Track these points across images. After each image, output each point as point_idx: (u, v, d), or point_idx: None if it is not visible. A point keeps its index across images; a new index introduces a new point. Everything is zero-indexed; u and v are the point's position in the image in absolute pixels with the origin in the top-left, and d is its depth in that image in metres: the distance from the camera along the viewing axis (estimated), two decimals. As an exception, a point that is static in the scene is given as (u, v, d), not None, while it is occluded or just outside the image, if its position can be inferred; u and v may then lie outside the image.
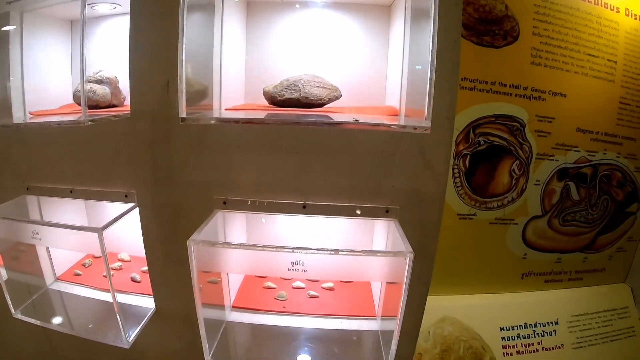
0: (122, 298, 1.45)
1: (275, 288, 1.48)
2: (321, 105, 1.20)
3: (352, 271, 1.06)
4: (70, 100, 1.52)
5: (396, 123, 1.03)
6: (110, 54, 1.52)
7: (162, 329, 1.43)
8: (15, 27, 1.38)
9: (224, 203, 1.24)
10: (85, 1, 1.09)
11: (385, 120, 1.11)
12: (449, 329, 1.68)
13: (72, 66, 1.59)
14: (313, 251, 1.01)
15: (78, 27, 1.57)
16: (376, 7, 1.36)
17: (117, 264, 1.62)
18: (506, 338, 1.76)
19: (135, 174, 1.29)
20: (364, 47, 1.39)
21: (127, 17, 1.41)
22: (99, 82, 1.41)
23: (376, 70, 1.38)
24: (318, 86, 1.21)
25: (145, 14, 1.18)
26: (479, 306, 1.76)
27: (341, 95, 1.24)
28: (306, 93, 1.18)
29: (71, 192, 1.38)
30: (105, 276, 1.54)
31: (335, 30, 1.38)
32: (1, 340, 1.96)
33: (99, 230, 1.14)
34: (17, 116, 1.40)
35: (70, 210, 1.60)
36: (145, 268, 1.53)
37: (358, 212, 1.22)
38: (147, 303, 1.43)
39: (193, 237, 1.06)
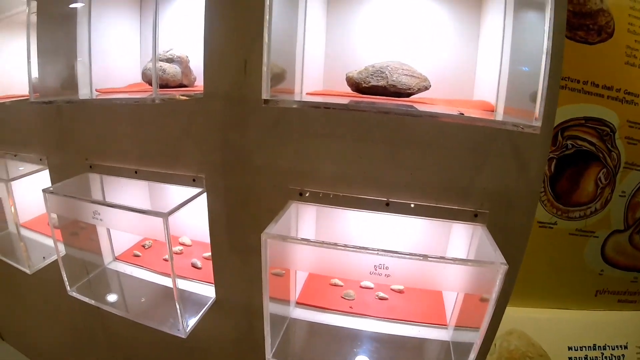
0: (181, 284, 1.41)
1: (342, 286, 1.40)
2: (409, 94, 1.11)
3: (437, 279, 0.97)
4: (138, 79, 1.49)
5: (504, 120, 0.93)
6: (181, 32, 1.47)
7: (219, 319, 1.39)
8: (83, 4, 1.35)
9: (300, 194, 1.16)
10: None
11: (488, 116, 1.00)
12: (515, 343, 1.57)
13: (141, 44, 1.55)
14: (399, 255, 0.92)
15: (148, 4, 1.54)
16: (467, -6, 1.26)
17: (177, 248, 1.58)
18: (573, 358, 1.63)
19: (205, 158, 1.23)
20: (452, 36, 1.29)
21: None
22: (169, 60, 1.36)
23: (464, 62, 1.28)
24: (406, 74, 1.12)
25: None
26: (549, 321, 1.63)
27: (430, 86, 1.14)
28: (394, 81, 1.09)
29: (136, 172, 1.34)
30: (165, 260, 1.51)
31: (421, 16, 1.29)
32: (55, 314, 1.98)
33: (165, 216, 1.10)
34: (83, 92, 1.37)
35: (132, 191, 1.58)
36: (207, 254, 1.49)
37: (443, 214, 1.12)
38: (207, 291, 1.39)
39: (267, 230, 0.99)
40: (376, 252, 0.92)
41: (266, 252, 0.98)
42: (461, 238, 1.24)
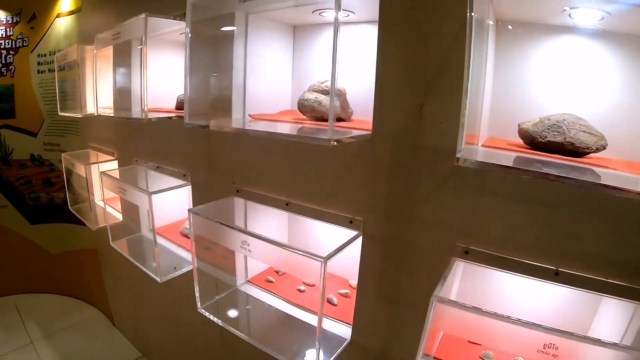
0: (312, 319, 1.40)
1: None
2: (586, 154, 1.00)
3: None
4: (288, 105, 1.51)
5: None
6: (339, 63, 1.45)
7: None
8: (234, 27, 1.37)
9: (466, 252, 1.10)
10: (339, 3, 0.96)
11: None
12: None
13: (293, 71, 1.56)
14: (572, 336, 0.82)
15: (302, 32, 1.55)
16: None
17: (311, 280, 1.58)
18: None
19: (367, 201, 1.19)
20: (626, 86, 1.15)
21: (358, 27, 1.34)
22: (325, 93, 1.35)
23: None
24: (584, 131, 0.99)
25: (399, 27, 1.05)
26: None
27: (607, 145, 1.01)
28: (572, 138, 0.97)
29: (287, 204, 1.34)
30: (300, 290, 1.51)
31: (593, 63, 1.16)
32: (174, 318, 2.08)
33: (324, 260, 1.07)
34: (236, 117, 1.40)
35: (270, 219, 1.60)
36: (343, 291, 1.47)
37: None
38: (339, 329, 1.36)
39: (436, 292, 0.93)
40: (547, 330, 0.83)
41: (431, 314, 0.92)
42: (610, 315, 1.10)
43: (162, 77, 1.91)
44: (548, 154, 1.02)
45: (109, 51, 2.18)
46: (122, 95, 1.92)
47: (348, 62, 1.35)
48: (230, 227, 1.22)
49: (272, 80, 1.51)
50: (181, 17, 1.55)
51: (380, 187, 1.15)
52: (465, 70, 0.84)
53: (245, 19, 1.37)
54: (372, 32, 1.21)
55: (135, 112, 1.90)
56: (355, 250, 1.23)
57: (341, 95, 1.32)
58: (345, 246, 1.16)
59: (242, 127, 1.19)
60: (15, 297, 3.51)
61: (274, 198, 1.38)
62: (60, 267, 3.44)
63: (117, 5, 2.16)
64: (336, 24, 0.95)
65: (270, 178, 1.39)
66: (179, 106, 1.77)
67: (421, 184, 1.09)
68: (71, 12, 2.76)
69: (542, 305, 1.24)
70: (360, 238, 1.21)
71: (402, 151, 1.10)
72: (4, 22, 3.12)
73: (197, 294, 1.43)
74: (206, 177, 1.57)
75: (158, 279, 1.66)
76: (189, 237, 1.95)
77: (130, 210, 2.12)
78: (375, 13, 1.09)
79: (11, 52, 3.14)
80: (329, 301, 1.44)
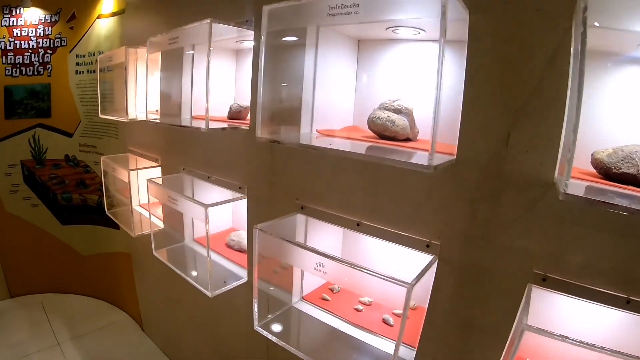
0: (371, 339, 1.34)
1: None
2: None
3: None
4: (350, 120, 1.46)
5: None
6: (405, 81, 1.40)
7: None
8: (296, 38, 1.32)
9: (543, 280, 1.03)
10: (445, 28, 0.91)
11: None
12: None
13: (356, 86, 1.50)
14: None
15: (367, 47, 1.49)
16: None
17: (366, 299, 1.52)
18: None
19: (445, 226, 1.14)
20: None
21: (429, 45, 1.28)
22: (397, 111, 1.29)
23: None
24: None
25: (489, 52, 1.01)
26: None
27: None
28: None
29: (358, 225, 1.29)
30: (357, 310, 1.45)
31: None
32: (215, 328, 2.04)
33: (409, 287, 1.01)
34: (304, 132, 1.35)
35: (325, 236, 1.54)
36: (398, 311, 1.41)
37: None
38: (401, 352, 1.30)
39: (525, 320, 0.87)
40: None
41: (518, 343, 0.87)
42: None
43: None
44: (622, 185, 0.98)
45: (153, 55, 2.17)
46: (170, 102, 1.89)
47: (413, 80, 1.30)
48: (305, 248, 1.17)
49: (337, 95, 1.46)
50: (241, 24, 1.51)
51: (461, 212, 1.11)
52: (574, 106, 0.79)
53: (317, 32, 1.32)
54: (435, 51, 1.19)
55: (185, 120, 1.87)
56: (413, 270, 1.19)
57: (409, 115, 1.28)
58: (426, 271, 1.11)
59: (324, 146, 1.12)
60: (43, 295, 3.51)
61: (343, 217, 1.33)
62: (90, 269, 3.42)
63: (164, 9, 2.13)
64: (441, 52, 0.89)
65: (341, 196, 1.34)
66: (232, 116, 1.73)
67: (503, 211, 1.05)
68: (113, 14, 2.74)
69: (613, 334, 1.19)
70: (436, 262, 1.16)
71: (487, 177, 1.06)
72: (43, 21, 3.12)
73: (255, 313, 1.38)
74: (266, 191, 1.52)
75: (208, 293, 1.61)
76: (235, 249, 1.92)
77: (172, 218, 2.08)
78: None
79: (49, 52, 3.14)
80: (385, 322, 1.39)
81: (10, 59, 3.14)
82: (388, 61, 1.39)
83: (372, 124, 1.25)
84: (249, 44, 1.75)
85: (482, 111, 1.03)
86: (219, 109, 1.88)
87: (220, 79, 1.93)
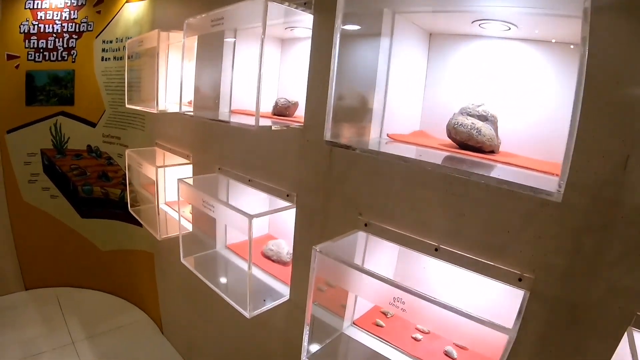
0: None
1: None
2: None
3: None
4: (417, 124, 1.26)
5: None
6: (482, 84, 1.18)
7: None
8: (370, 25, 1.12)
9: None
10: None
11: None
12: None
13: (426, 86, 1.29)
14: None
15: (440, 42, 1.28)
16: None
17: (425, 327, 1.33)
18: None
19: (544, 258, 0.95)
20: None
21: (516, 43, 1.08)
22: (482, 118, 1.08)
23: None
24: None
25: (610, 63, 0.83)
26: None
27: None
28: None
29: (436, 250, 1.09)
30: (415, 339, 1.26)
31: None
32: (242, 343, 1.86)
33: (512, 334, 0.82)
34: (374, 137, 1.16)
35: (381, 257, 1.35)
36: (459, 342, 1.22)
37: None
38: None
39: None
40: None
41: None
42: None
43: (249, 75, 1.70)
44: None
45: (189, 41, 1.98)
46: (207, 93, 1.71)
47: (493, 83, 1.12)
48: (382, 279, 0.97)
49: (408, 95, 1.26)
50: (303, 6, 1.31)
51: (564, 243, 0.93)
52: None
53: (392, 19, 1.12)
54: (527, 52, 1.04)
55: (223, 114, 1.68)
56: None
57: (494, 123, 1.08)
58: (522, 311, 0.93)
59: (415, 158, 0.93)
60: (58, 289, 3.39)
61: (418, 240, 1.14)
62: (109, 265, 3.28)
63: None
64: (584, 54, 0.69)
65: (416, 215, 1.14)
66: (279, 112, 1.54)
67: (614, 245, 0.88)
68: (144, -2, 2.57)
69: None
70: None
71: (599, 205, 0.88)
72: (69, 4, 2.96)
73: (305, 342, 1.20)
74: (321, 202, 1.33)
75: (246, 314, 1.43)
76: (273, 260, 1.73)
77: (202, 221, 1.90)
78: (542, 32, 0.97)
79: (74, 36, 2.98)
80: (448, 354, 1.20)
81: (34, 43, 2.99)
82: (463, 59, 1.18)
83: (454, 131, 1.05)
84: (300, 32, 1.56)
85: (598, 130, 0.86)
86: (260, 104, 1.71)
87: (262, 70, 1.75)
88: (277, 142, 1.46)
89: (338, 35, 0.99)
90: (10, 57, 2.99)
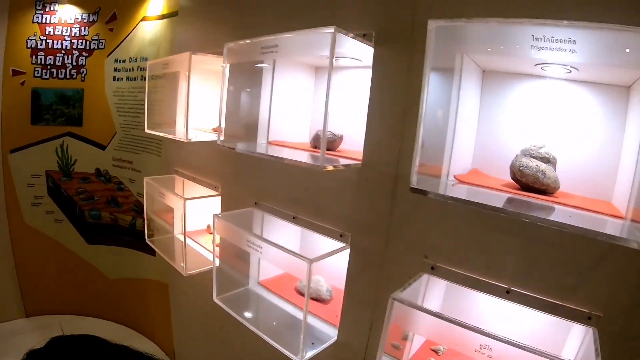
0: None
1: None
2: None
3: None
4: (469, 162, 1.19)
5: None
6: (541, 121, 1.11)
7: None
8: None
9: None
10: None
11: None
12: None
13: (479, 122, 1.21)
14: None
15: (493, 80, 1.20)
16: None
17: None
18: None
19: (611, 298, 0.93)
20: None
21: (574, 86, 1.03)
22: (545, 160, 1.02)
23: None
24: None
25: None
26: None
27: None
28: None
29: (508, 292, 1.03)
30: None
31: None
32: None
33: None
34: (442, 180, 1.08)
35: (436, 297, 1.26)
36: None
37: None
38: None
39: None
40: None
41: None
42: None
43: (285, 104, 1.61)
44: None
45: (208, 65, 1.89)
46: (241, 122, 1.61)
47: (548, 123, 1.09)
48: (468, 327, 0.89)
49: (466, 133, 1.19)
50: (361, 37, 1.23)
51: (630, 282, 0.91)
52: None
53: (462, 56, 1.05)
54: (577, 93, 1.03)
55: (261, 145, 1.59)
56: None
57: (554, 165, 1.08)
58: (597, 349, 0.87)
59: (505, 208, 0.84)
60: (61, 317, 3.21)
61: (489, 283, 1.06)
62: (117, 294, 3.12)
63: (232, 15, 1.85)
64: None
65: (487, 258, 1.08)
66: (318, 144, 1.44)
67: None
68: (162, 17, 2.47)
69: None
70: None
71: None
72: (79, 20, 2.86)
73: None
74: (380, 243, 1.23)
75: (296, 359, 1.32)
76: (311, 297, 1.62)
77: (233, 256, 1.79)
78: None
79: (84, 54, 2.87)
80: None
81: (41, 59, 2.87)
82: (518, 98, 1.14)
83: (520, 173, 1.02)
84: (345, 61, 1.48)
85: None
86: (295, 135, 1.64)
87: (297, 100, 1.66)
88: (330, 179, 1.36)
89: (429, 75, 0.90)
90: (15, 72, 2.86)
